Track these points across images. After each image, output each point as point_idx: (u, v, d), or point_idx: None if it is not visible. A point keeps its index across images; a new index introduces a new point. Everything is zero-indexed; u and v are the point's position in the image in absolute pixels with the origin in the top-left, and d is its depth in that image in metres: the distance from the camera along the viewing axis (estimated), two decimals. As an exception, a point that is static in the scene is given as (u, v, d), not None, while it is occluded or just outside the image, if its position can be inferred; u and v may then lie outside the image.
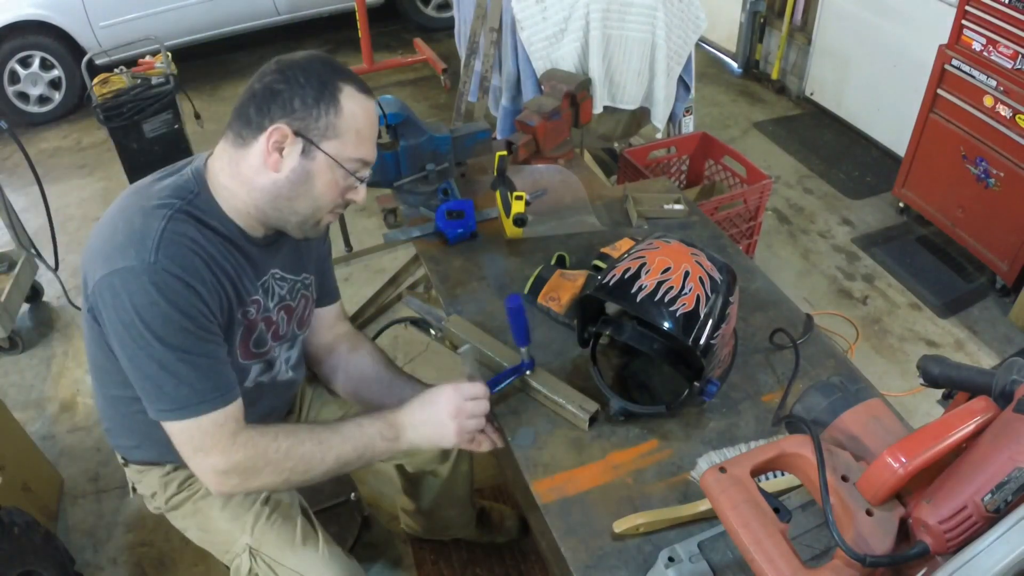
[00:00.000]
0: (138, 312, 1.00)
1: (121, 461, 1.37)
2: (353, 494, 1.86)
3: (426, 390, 1.25)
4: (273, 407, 1.37)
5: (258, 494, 1.34)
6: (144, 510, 1.41)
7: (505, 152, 1.79)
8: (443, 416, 1.20)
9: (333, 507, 1.90)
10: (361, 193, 1.16)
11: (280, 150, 1.06)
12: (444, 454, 1.64)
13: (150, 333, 1.00)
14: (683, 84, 2.74)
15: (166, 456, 1.25)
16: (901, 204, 3.21)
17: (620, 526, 1.11)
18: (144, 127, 3.08)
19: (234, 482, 1.10)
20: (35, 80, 4.06)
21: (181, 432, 1.07)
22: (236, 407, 1.10)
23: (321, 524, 1.42)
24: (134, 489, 1.42)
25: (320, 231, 1.20)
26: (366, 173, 1.15)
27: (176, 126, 3.17)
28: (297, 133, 1.05)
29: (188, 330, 1.03)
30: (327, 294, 1.43)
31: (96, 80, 3.00)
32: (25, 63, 4.00)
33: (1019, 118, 2.46)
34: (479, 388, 1.23)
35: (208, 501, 1.34)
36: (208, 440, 1.07)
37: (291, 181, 1.08)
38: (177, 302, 1.01)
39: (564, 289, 1.54)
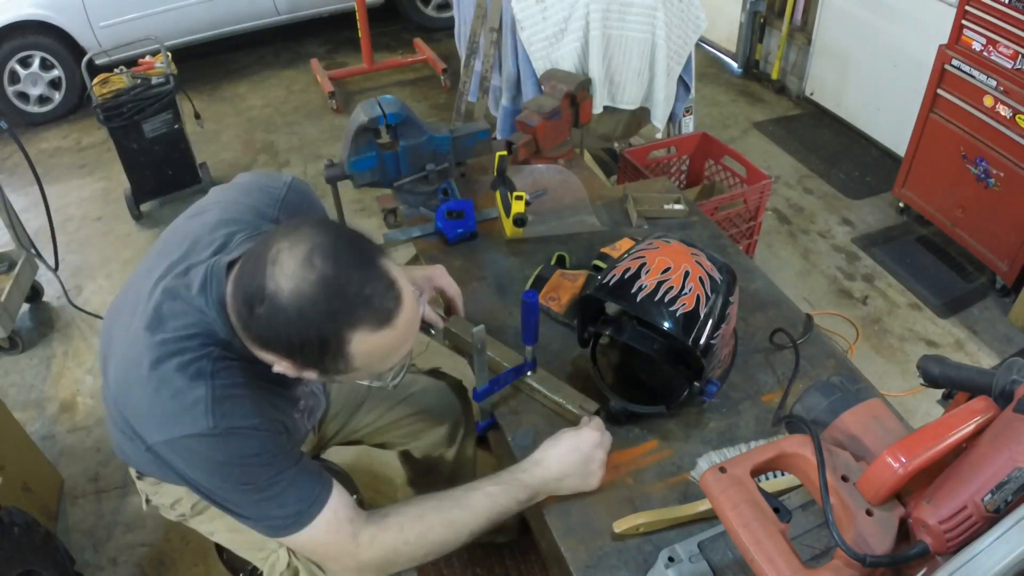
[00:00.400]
0: (219, 472, 0.99)
1: (135, 475, 1.33)
2: (355, 496, 1.85)
3: (559, 438, 1.17)
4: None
5: None
6: (142, 511, 1.40)
7: (505, 152, 1.79)
8: (594, 466, 1.15)
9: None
10: (397, 376, 1.07)
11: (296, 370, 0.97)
12: (451, 438, 1.65)
13: (238, 483, 1.00)
14: (683, 84, 2.75)
15: None
16: (901, 204, 3.21)
17: (620, 526, 1.11)
18: (144, 127, 3.08)
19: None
20: (35, 80, 4.06)
21: (304, 546, 1.06)
22: (338, 499, 1.07)
23: None
24: (148, 500, 1.37)
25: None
26: (399, 369, 1.06)
27: (176, 126, 3.17)
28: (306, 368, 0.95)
29: (267, 464, 1.01)
30: None
31: (96, 80, 3.00)
32: (25, 63, 3.99)
33: (1019, 118, 2.46)
34: (600, 423, 1.22)
35: None
36: (331, 548, 1.06)
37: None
38: (249, 451, 0.99)
39: (564, 289, 1.54)
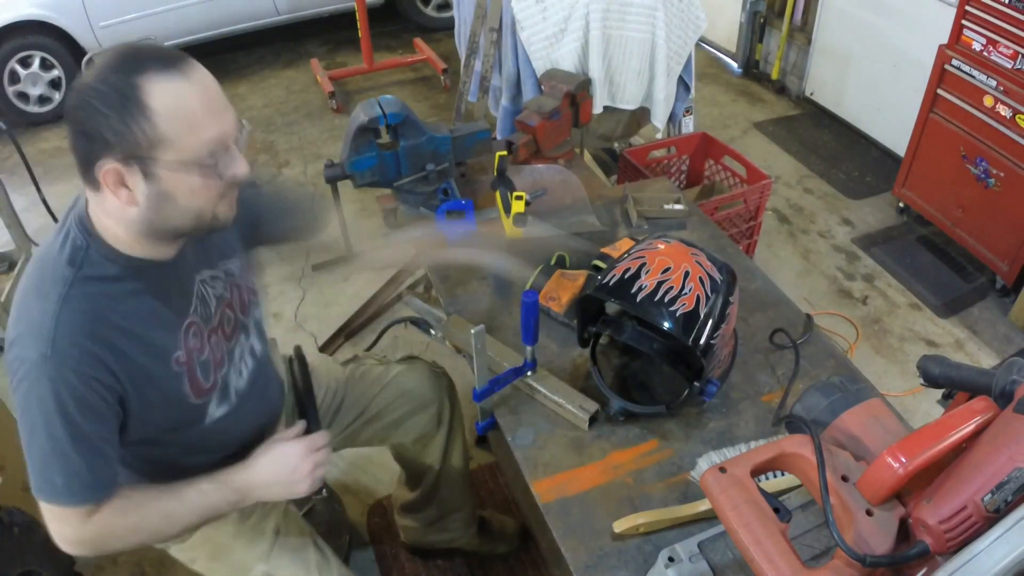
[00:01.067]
0: (35, 402, 0.98)
1: None
2: (323, 490, 1.79)
3: (270, 446, 1.19)
4: (265, 399, 1.33)
5: (270, 519, 1.34)
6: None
7: (505, 152, 1.79)
8: (297, 476, 1.17)
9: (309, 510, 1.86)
10: (239, 166, 1.01)
11: (124, 185, 0.96)
12: (438, 421, 1.62)
13: (43, 420, 0.99)
14: (683, 84, 2.74)
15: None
16: (901, 204, 3.21)
17: (620, 526, 1.11)
18: (144, 127, 3.07)
19: (85, 551, 1.10)
20: (35, 80, 4.05)
21: (48, 511, 1.05)
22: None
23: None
24: None
25: (225, 220, 1.07)
26: (229, 153, 1.00)
27: (176, 126, 3.17)
28: (126, 161, 0.94)
29: (77, 421, 0.99)
30: (295, 227, 1.41)
31: (96, 80, 3.00)
32: (25, 63, 3.99)
33: (1019, 118, 2.46)
34: (324, 437, 1.23)
35: (220, 529, 1.29)
36: (68, 523, 1.06)
37: (154, 206, 0.98)
38: (71, 396, 0.98)
39: (564, 289, 1.54)
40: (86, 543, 1.08)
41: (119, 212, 1.00)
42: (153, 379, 1.06)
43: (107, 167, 0.94)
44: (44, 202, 2.64)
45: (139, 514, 1.10)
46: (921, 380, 0.97)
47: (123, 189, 0.96)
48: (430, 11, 5.02)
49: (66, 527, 1.06)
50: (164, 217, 1.00)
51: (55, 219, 2.66)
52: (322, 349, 2.59)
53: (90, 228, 1.03)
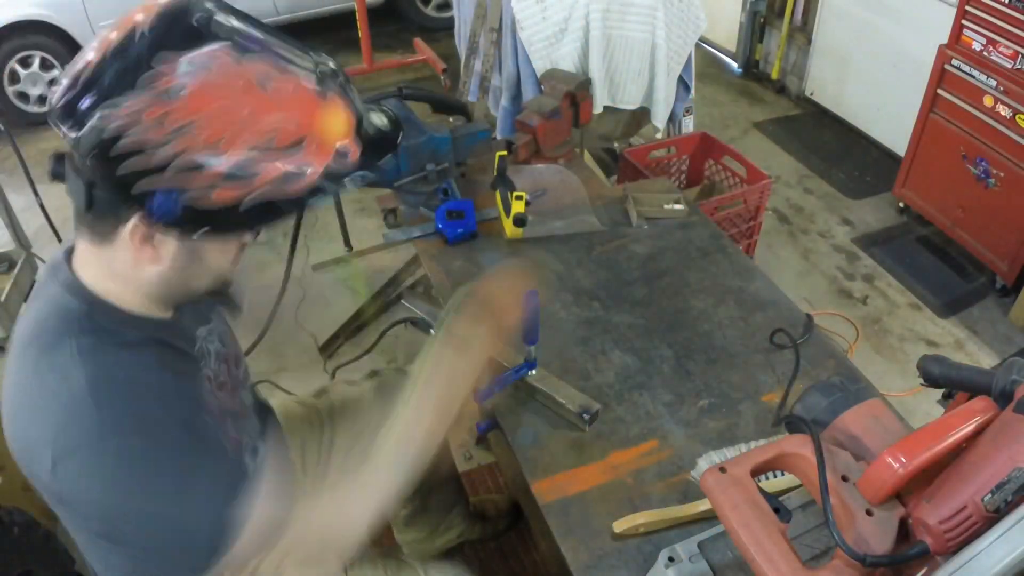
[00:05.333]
0: (121, 482, 0.82)
1: None
2: None
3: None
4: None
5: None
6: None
7: (505, 152, 1.79)
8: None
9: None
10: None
11: (150, 242, 0.83)
12: None
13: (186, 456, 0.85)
14: (683, 84, 2.74)
15: None
16: (901, 204, 3.21)
17: (620, 526, 1.11)
18: (144, 127, 3.07)
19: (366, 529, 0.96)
20: (35, 80, 4.05)
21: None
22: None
23: None
24: None
25: (233, 280, 0.98)
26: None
27: (176, 126, 3.17)
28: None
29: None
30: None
31: (96, 80, 3.00)
32: (25, 63, 3.99)
33: (1019, 118, 2.46)
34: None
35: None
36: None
37: (180, 266, 0.86)
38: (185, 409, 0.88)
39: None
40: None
41: (130, 270, 0.86)
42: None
43: (137, 219, 0.80)
44: (40, 205, 2.64)
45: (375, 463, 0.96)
46: (921, 380, 0.97)
47: (148, 246, 0.83)
48: (430, 11, 5.02)
49: (337, 508, 0.94)
50: (186, 277, 0.89)
51: (50, 222, 2.67)
52: (322, 349, 2.59)
53: (84, 291, 0.87)
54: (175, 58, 0.75)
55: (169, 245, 0.84)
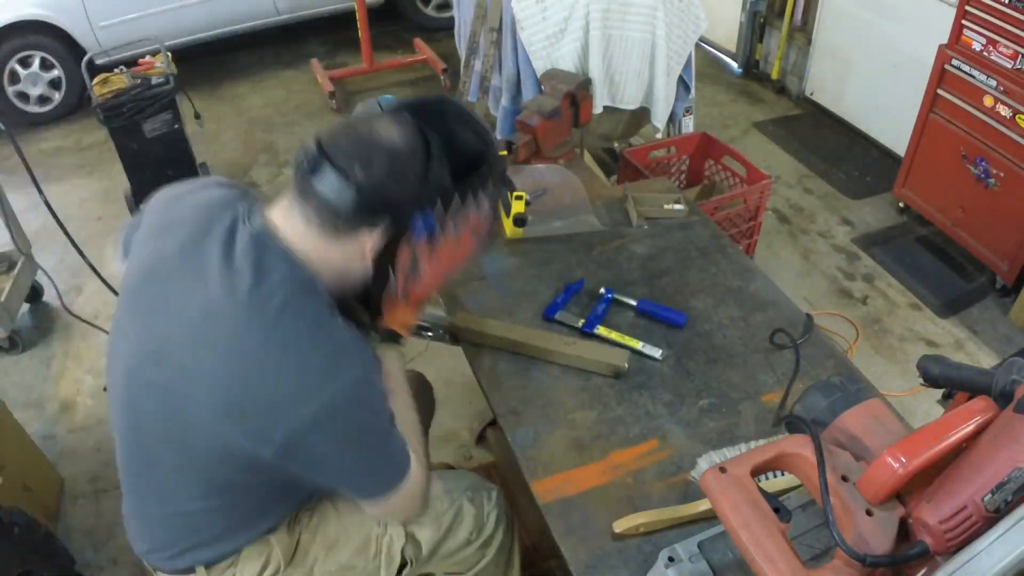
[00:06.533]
0: (364, 436, 0.99)
1: (203, 572, 1.15)
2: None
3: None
4: None
5: None
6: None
7: (505, 152, 1.79)
8: None
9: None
10: None
11: (371, 246, 0.98)
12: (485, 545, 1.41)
13: (374, 445, 1.01)
14: (683, 84, 2.74)
15: (275, 519, 1.17)
16: (901, 204, 3.21)
17: (620, 526, 1.11)
18: (144, 127, 3.07)
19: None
20: (35, 80, 4.05)
21: (398, 499, 1.07)
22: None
23: None
24: None
25: None
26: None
27: (176, 126, 3.16)
28: (398, 236, 0.98)
29: (385, 416, 1.04)
30: None
31: (96, 80, 3.00)
32: (25, 63, 3.99)
33: (1019, 118, 2.46)
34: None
35: (326, 516, 1.24)
36: (413, 496, 1.09)
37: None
38: (379, 402, 1.02)
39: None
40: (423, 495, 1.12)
41: (344, 262, 0.99)
42: None
43: (379, 232, 0.95)
44: (47, 203, 2.64)
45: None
46: (921, 380, 0.97)
47: (368, 249, 0.97)
48: (430, 11, 5.02)
49: (413, 500, 1.10)
50: (359, 280, 1.02)
51: (58, 220, 2.67)
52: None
53: (300, 266, 0.97)
54: None
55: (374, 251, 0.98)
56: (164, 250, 1.02)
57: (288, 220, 0.98)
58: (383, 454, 1.03)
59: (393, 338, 1.23)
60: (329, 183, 0.92)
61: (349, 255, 0.98)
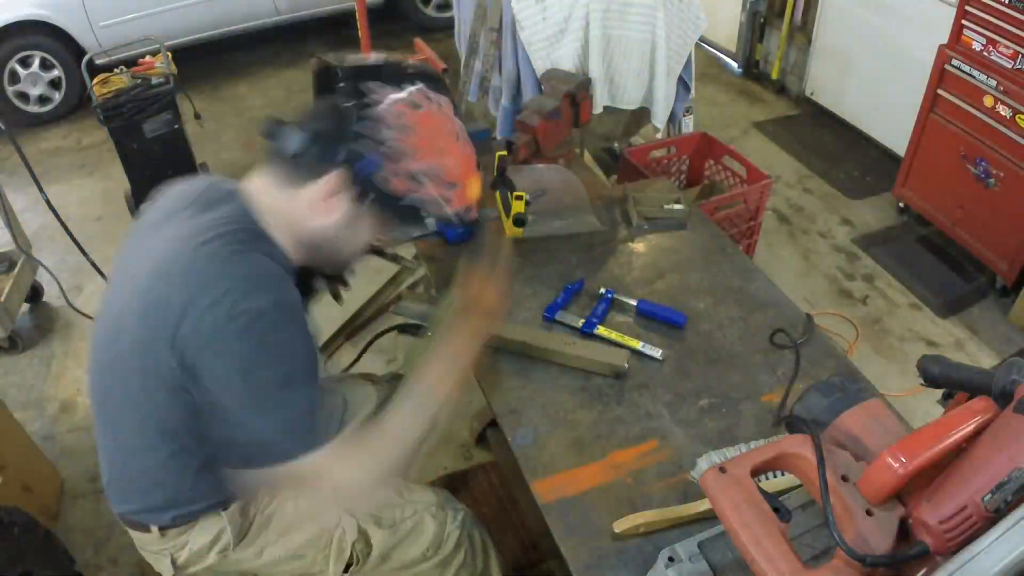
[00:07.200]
0: (265, 355, 0.99)
1: (156, 533, 1.20)
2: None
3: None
4: None
5: None
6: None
7: (505, 152, 1.79)
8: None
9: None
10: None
11: (334, 196, 1.05)
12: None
13: (277, 373, 1.00)
14: (683, 84, 2.74)
15: (223, 492, 1.19)
16: (901, 204, 3.21)
17: (620, 526, 1.11)
18: (144, 127, 3.08)
19: (379, 483, 1.16)
20: (35, 80, 4.06)
21: (326, 458, 1.03)
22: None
23: None
24: (175, 561, 1.23)
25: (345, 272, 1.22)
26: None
27: (176, 126, 3.17)
28: (355, 179, 1.03)
29: (306, 364, 1.04)
30: None
31: (96, 80, 3.00)
32: (25, 63, 3.99)
33: (1019, 118, 2.46)
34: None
35: (284, 503, 1.26)
36: (349, 459, 1.06)
37: (338, 226, 1.08)
38: (299, 340, 1.03)
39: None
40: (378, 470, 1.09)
41: (302, 215, 1.07)
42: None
43: (337, 174, 1.03)
44: (47, 201, 2.64)
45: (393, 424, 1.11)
46: (921, 380, 0.97)
47: (329, 200, 1.05)
48: (430, 11, 5.03)
49: (352, 467, 1.06)
50: (333, 242, 1.10)
51: (60, 219, 2.68)
52: (322, 349, 2.59)
53: (254, 219, 1.07)
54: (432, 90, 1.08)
55: (342, 206, 1.05)
56: (149, 216, 1.15)
57: (256, 181, 1.10)
58: (277, 403, 1.01)
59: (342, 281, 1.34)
60: (285, 136, 1.05)
61: (312, 203, 1.05)
